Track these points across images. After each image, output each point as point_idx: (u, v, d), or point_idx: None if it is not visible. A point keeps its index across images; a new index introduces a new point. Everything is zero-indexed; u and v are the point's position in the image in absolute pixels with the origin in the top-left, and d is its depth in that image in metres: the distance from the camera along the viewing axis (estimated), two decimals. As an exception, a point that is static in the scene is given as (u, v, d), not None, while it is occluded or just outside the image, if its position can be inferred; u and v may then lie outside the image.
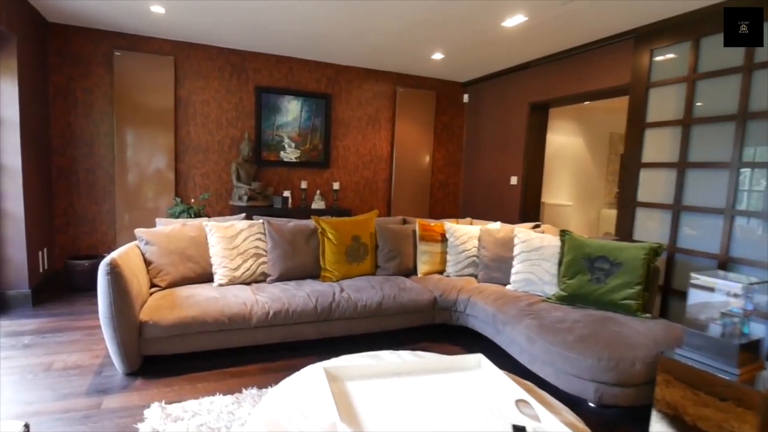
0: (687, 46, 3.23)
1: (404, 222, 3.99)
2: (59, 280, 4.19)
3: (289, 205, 4.74)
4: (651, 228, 3.52)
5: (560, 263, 3.07)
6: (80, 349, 2.78)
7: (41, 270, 3.84)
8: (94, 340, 2.92)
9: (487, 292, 3.18)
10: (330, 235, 3.40)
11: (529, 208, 5.01)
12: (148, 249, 2.86)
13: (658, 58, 3.44)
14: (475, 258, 3.66)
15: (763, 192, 2.82)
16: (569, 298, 2.89)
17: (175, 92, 4.51)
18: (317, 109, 5.09)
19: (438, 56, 4.67)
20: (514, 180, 5.08)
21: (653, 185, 3.50)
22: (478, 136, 5.72)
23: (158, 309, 2.50)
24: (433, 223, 3.87)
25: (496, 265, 3.48)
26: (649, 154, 3.53)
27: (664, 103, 3.41)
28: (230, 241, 3.10)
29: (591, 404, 2.40)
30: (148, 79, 4.37)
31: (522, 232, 3.38)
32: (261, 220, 3.38)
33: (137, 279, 2.53)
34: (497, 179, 5.35)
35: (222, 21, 3.93)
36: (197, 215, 4.14)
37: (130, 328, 2.36)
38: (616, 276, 2.77)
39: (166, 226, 3.06)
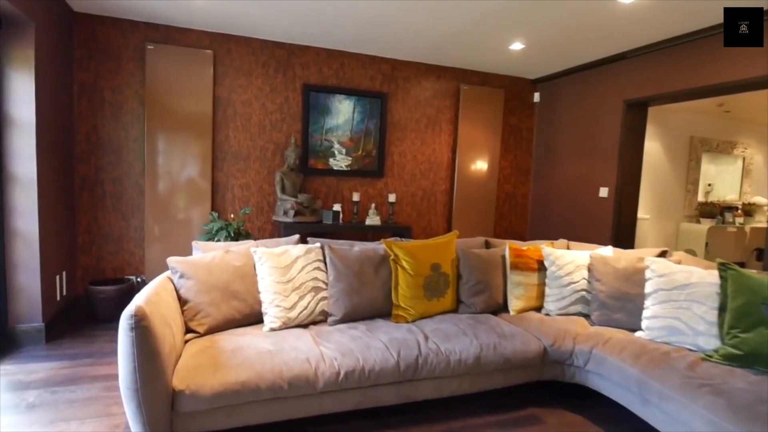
0: None
1: (487, 245, 3.26)
2: (79, 309, 3.63)
3: (340, 221, 4.08)
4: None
5: (723, 308, 2.28)
6: (97, 413, 2.16)
7: (58, 297, 3.28)
8: (114, 398, 2.30)
9: (617, 343, 2.41)
10: (405, 264, 2.71)
11: (624, 226, 4.20)
12: (183, 284, 2.23)
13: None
14: (584, 293, 2.89)
15: None
16: (744, 359, 2.10)
17: (213, 91, 3.94)
18: (371, 110, 4.43)
19: (517, 46, 3.95)
20: (603, 192, 4.28)
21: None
22: (553, 140, 4.95)
23: (197, 370, 1.85)
24: (525, 246, 3.13)
25: (617, 304, 2.71)
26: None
27: None
28: (284, 272, 2.44)
29: None
30: (184, 76, 3.81)
31: (657, 263, 2.60)
32: (318, 244, 2.72)
33: (170, 329, 1.89)
34: (581, 190, 4.56)
35: (269, 9, 3.32)
36: (237, 234, 3.52)
37: (160, 401, 1.71)
38: (821, 331, 1.96)
39: (205, 254, 2.43)
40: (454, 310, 2.89)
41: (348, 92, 4.32)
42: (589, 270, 2.90)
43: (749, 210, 7.20)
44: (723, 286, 2.32)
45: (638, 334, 2.55)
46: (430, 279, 2.75)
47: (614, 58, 4.07)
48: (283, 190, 3.96)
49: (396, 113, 4.59)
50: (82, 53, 3.62)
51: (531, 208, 5.28)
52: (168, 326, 1.87)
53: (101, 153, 3.73)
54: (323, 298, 2.55)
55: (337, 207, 4.11)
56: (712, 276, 2.38)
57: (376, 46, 4.16)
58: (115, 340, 3.08)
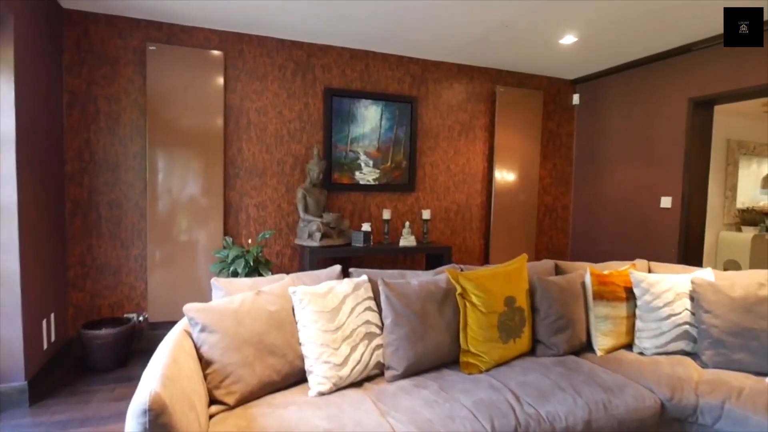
0: None
1: (557, 270, 2.75)
2: (70, 357, 3.07)
3: (371, 242, 3.56)
4: None
5: None
6: None
7: (45, 345, 2.73)
8: (117, 493, 1.75)
9: (755, 395, 1.90)
10: (475, 299, 2.19)
11: (691, 241, 3.71)
12: (205, 339, 1.70)
13: None
14: (688, 327, 2.38)
15: None
16: None
17: (224, 98, 3.44)
18: (400, 117, 3.95)
19: (569, 40, 3.49)
20: (666, 202, 3.80)
21: None
22: (598, 145, 4.48)
23: (234, 473, 1.31)
24: (606, 270, 2.63)
25: (737, 342, 2.20)
26: None
27: None
28: (331, 317, 1.92)
29: None
30: (191, 81, 3.32)
31: (792, 290, 2.10)
32: (365, 277, 2.20)
33: (195, 412, 1.36)
34: (636, 201, 4.07)
35: (286, 3, 2.86)
36: (257, 262, 3.00)
37: None
38: None
39: (231, 298, 1.90)
40: (531, 352, 2.37)
41: (374, 97, 3.84)
42: (693, 299, 2.39)
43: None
44: None
45: (772, 380, 2.04)
46: (505, 316, 2.23)
47: (676, 51, 3.62)
48: (306, 210, 3.45)
49: (426, 119, 4.11)
50: (73, 56, 3.12)
51: (573, 221, 4.79)
52: (193, 409, 1.34)
53: (96, 172, 3.21)
54: (378, 346, 2.02)
55: (366, 227, 3.60)
56: None
57: (404, 44, 3.69)
58: (116, 398, 2.53)
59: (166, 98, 3.25)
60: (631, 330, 2.49)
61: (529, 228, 4.49)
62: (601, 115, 4.42)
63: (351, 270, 2.34)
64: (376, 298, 2.16)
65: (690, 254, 3.69)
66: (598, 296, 2.48)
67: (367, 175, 3.87)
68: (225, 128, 3.46)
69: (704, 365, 2.26)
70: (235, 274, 3.00)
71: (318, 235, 3.28)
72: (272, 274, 3.01)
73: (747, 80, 3.22)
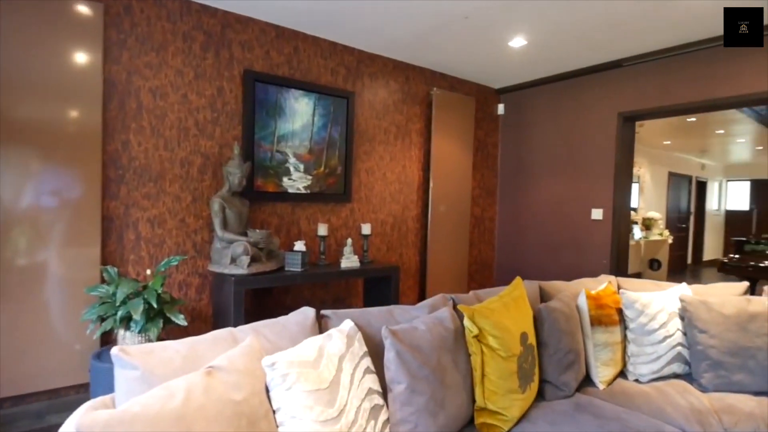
0: None
1: (541, 293, 2.44)
2: None
3: (306, 265, 2.87)
4: None
5: None
6: None
7: None
8: None
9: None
10: (493, 342, 1.73)
11: (621, 251, 3.81)
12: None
13: None
14: (680, 348, 2.25)
15: None
16: None
17: (103, 70, 2.44)
18: (335, 114, 3.34)
19: (518, 42, 3.30)
20: (597, 214, 3.85)
21: None
22: (525, 157, 4.44)
23: None
24: (594, 291, 2.39)
25: (736, 362, 2.11)
26: None
27: None
28: (330, 397, 1.27)
29: None
30: (49, 43, 2.26)
31: (785, 306, 2.07)
32: (349, 323, 1.58)
33: None
34: (566, 213, 4.08)
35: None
36: (161, 302, 2.12)
37: None
38: None
39: (167, 388, 1.10)
40: (540, 395, 1.99)
41: (306, 87, 3.17)
42: (684, 318, 2.27)
43: (648, 224, 7.81)
44: None
45: (774, 400, 1.97)
46: (522, 359, 1.81)
47: (607, 66, 3.70)
48: (225, 226, 2.62)
49: (363, 119, 3.57)
50: None
51: (498, 234, 4.69)
52: None
53: None
54: (385, 423, 1.42)
55: (300, 246, 2.90)
56: None
57: (339, 30, 3.13)
58: None
59: (7, 68, 2.15)
60: (623, 356, 2.28)
61: (463, 242, 4.23)
62: (528, 127, 4.40)
63: (327, 313, 1.69)
64: (371, 352, 1.55)
65: (620, 264, 3.79)
66: (596, 321, 2.22)
67: (297, 181, 3.16)
68: (104, 113, 2.45)
69: (703, 389, 2.13)
70: (126, 323, 2.07)
71: (245, 259, 2.49)
72: (184, 319, 2.15)
73: (677, 97, 3.38)
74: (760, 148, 8.47)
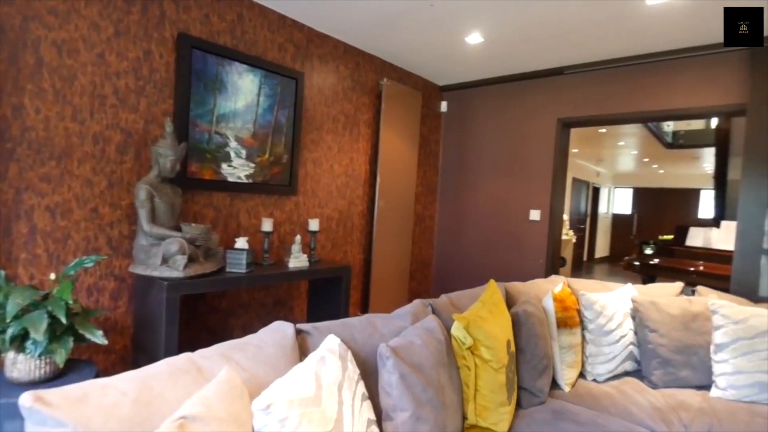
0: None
1: (507, 296, 2.37)
2: None
3: (251, 265, 2.51)
4: (791, 283, 2.84)
5: (816, 356, 2.02)
6: None
7: None
8: None
9: (734, 418, 1.90)
10: (486, 353, 1.60)
11: (556, 250, 3.97)
12: None
13: (793, 76, 2.83)
14: (632, 347, 2.34)
15: None
16: None
17: (-16, 8, 1.85)
18: (283, 96, 2.98)
19: (475, 39, 3.24)
20: (535, 215, 3.97)
21: (791, 230, 2.84)
22: (466, 156, 4.45)
23: None
24: (557, 290, 2.39)
25: (681, 359, 2.24)
26: (779, 192, 2.86)
27: (804, 131, 2.80)
28: (342, 436, 1.02)
29: None
30: None
31: (726, 307, 2.23)
32: (335, 340, 1.34)
33: None
34: (506, 214, 4.16)
35: None
36: (71, 316, 1.67)
37: None
38: None
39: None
40: (518, 404, 1.91)
41: (251, 62, 2.78)
42: (635, 318, 2.37)
43: (558, 225, 8.45)
44: (808, 331, 2.07)
45: (715, 393, 2.13)
46: (508, 369, 1.70)
47: (550, 72, 3.81)
48: (153, 218, 2.17)
49: (311, 104, 3.25)
50: None
51: (438, 233, 4.65)
52: None
53: None
54: (386, 455, 1.21)
55: (242, 243, 2.53)
56: (788, 319, 2.12)
57: (289, 1, 2.79)
58: None
59: None
60: (582, 356, 2.31)
61: (407, 240, 4.11)
62: (470, 126, 4.41)
63: (305, 328, 1.42)
64: (392, 381, 1.32)
65: (554, 263, 3.95)
66: (562, 324, 2.21)
67: (238, 169, 2.76)
68: (-15, 65, 1.87)
69: (654, 385, 2.23)
70: (19, 344, 1.59)
71: (181, 260, 2.08)
72: (103, 336, 1.71)
73: (606, 108, 3.58)
74: (647, 160, 9.63)
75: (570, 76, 3.76)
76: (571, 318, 2.26)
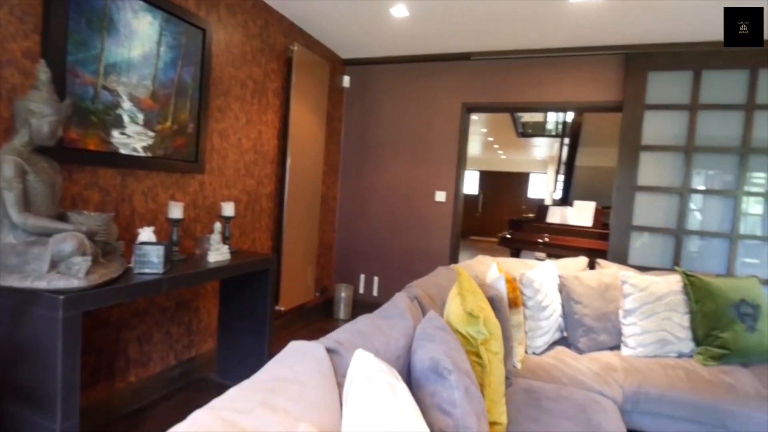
0: (688, 76, 3.30)
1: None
2: None
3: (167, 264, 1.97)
4: (649, 253, 3.46)
5: (694, 313, 2.49)
6: None
7: None
8: None
9: (653, 373, 2.24)
10: (495, 346, 1.55)
11: (465, 234, 4.15)
12: None
13: (656, 81, 3.39)
14: (559, 319, 2.56)
15: (761, 216, 3.21)
16: (733, 356, 2.36)
17: None
18: (188, 49, 2.38)
19: (400, 12, 3.07)
20: (440, 196, 4.08)
21: (650, 209, 3.45)
22: (370, 136, 4.31)
23: None
24: (494, 271, 2.46)
25: (600, 326, 2.54)
26: (643, 178, 3.44)
27: (661, 127, 3.40)
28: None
29: None
30: None
31: (634, 277, 2.59)
32: (366, 356, 1.12)
33: None
34: (411, 195, 4.18)
35: None
36: None
37: None
38: (761, 319, 2.45)
39: None
40: (495, 390, 1.90)
41: (150, 1, 2.13)
42: (562, 292, 2.59)
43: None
44: (687, 293, 2.54)
45: (626, 352, 2.48)
46: (503, 357, 1.66)
47: (458, 56, 3.89)
48: (27, 204, 1.51)
49: (218, 64, 2.68)
50: None
51: (339, 214, 4.45)
52: None
53: None
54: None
55: (147, 234, 1.97)
56: (676, 284, 2.57)
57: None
58: None
59: None
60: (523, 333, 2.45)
61: (314, 224, 3.82)
62: (375, 104, 4.27)
63: (332, 347, 1.14)
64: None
65: (457, 244, 4.13)
66: (513, 304, 2.30)
67: (134, 138, 2.12)
68: None
69: (580, 351, 2.49)
70: None
71: (82, 263, 1.49)
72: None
73: (506, 96, 3.83)
74: (497, 146, 10.86)
75: (476, 62, 3.89)
76: (518, 297, 2.36)
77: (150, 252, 1.83)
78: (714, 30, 2.95)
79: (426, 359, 1.15)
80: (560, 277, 2.61)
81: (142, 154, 2.17)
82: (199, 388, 2.53)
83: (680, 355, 2.46)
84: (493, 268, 2.60)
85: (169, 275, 1.86)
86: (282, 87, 3.33)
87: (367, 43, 3.79)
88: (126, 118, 2.07)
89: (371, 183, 4.31)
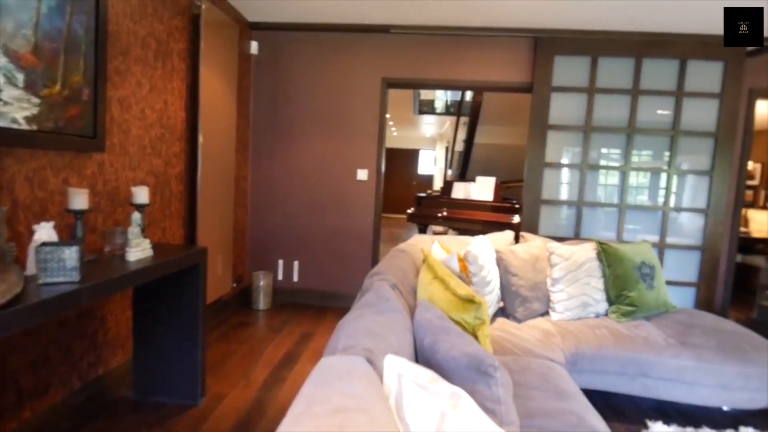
0: (587, 61, 3.64)
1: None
2: None
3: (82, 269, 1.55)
4: (555, 224, 3.82)
5: (607, 277, 2.81)
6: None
7: None
8: None
9: (586, 334, 2.49)
10: (486, 329, 1.51)
11: (388, 211, 4.09)
12: None
13: (561, 65, 3.67)
14: (498, 291, 2.68)
15: (647, 189, 3.75)
16: (639, 311, 2.74)
17: None
18: (76, -9, 1.84)
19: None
20: (362, 174, 3.96)
21: (556, 184, 3.78)
22: (281, 109, 3.97)
23: None
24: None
25: (533, 295, 2.74)
26: (550, 155, 3.75)
27: (565, 108, 3.71)
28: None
29: None
30: None
31: (560, 248, 2.82)
32: (415, 366, 1.03)
33: None
34: (331, 173, 3.98)
35: None
36: None
37: None
38: (656, 278, 2.88)
39: None
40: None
41: None
42: (500, 265, 2.71)
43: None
44: (601, 259, 2.86)
45: (555, 317, 2.71)
46: (488, 338, 1.66)
47: (377, 28, 3.74)
48: None
49: (114, 14, 2.15)
50: None
51: (252, 195, 4.06)
52: None
53: None
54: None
55: (47, 231, 1.53)
56: (592, 251, 2.87)
57: None
58: None
59: None
60: (471, 307, 2.51)
61: (228, 208, 3.42)
62: (286, 75, 3.92)
63: (370, 358, 0.99)
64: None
65: (378, 222, 4.08)
66: (465, 282, 2.32)
67: (12, 106, 1.58)
68: None
69: (518, 320, 2.65)
70: None
71: (-25, 278, 1.07)
72: None
73: (425, 73, 3.83)
74: (392, 123, 11.00)
75: (396, 36, 3.79)
76: (468, 275, 2.40)
77: (60, 255, 1.41)
78: (608, 20, 3.28)
79: (460, 356, 1.07)
80: (497, 251, 2.72)
81: (24, 126, 1.65)
82: (116, 411, 2.11)
83: (597, 315, 2.77)
84: (435, 247, 2.61)
85: (87, 284, 1.46)
86: (188, 49, 2.84)
87: (276, 4, 3.41)
88: (1, 78, 1.53)
89: (286, 161, 4.00)
